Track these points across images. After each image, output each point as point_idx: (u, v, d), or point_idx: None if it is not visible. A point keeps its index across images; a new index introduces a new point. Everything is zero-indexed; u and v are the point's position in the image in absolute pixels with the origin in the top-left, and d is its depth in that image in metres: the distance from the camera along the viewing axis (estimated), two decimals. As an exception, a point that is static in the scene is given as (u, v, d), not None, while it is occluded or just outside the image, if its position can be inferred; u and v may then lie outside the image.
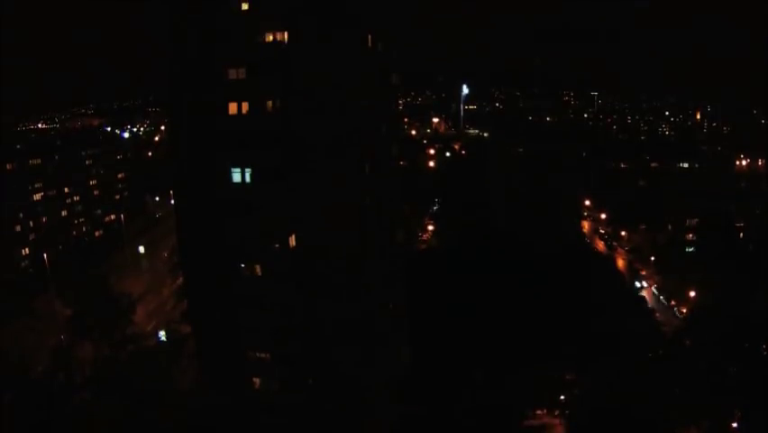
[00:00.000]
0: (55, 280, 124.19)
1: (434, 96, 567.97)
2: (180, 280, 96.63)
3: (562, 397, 77.80)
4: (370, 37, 57.11)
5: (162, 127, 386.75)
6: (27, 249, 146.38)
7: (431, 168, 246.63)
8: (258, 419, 60.58)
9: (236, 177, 55.51)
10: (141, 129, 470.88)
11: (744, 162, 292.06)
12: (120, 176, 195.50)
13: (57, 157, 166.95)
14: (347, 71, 53.40)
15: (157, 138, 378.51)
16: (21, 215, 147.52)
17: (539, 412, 76.78)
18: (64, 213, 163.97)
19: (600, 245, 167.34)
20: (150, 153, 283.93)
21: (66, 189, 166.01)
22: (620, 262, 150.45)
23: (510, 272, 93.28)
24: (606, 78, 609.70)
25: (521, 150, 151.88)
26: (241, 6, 53.44)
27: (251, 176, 55.38)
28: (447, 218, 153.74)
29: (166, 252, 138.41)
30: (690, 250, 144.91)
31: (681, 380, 73.14)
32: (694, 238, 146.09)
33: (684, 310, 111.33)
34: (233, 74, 54.74)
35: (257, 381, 60.67)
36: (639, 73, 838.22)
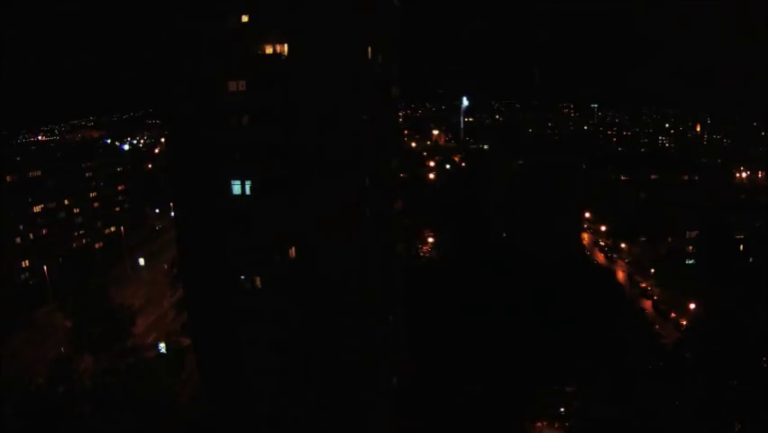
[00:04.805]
0: (55, 293, 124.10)
1: (434, 109, 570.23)
2: (180, 292, 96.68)
3: (561, 409, 77.60)
4: (369, 49, 57.31)
5: (162, 139, 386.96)
6: (27, 261, 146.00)
7: (431, 180, 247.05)
8: (258, 431, 60.54)
9: (236, 189, 55.70)
10: (141, 141, 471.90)
11: (744, 174, 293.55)
12: (120, 188, 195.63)
13: (57, 169, 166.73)
14: (347, 83, 53.59)
15: (157, 150, 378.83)
16: (21, 227, 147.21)
17: (539, 424, 76.54)
18: (64, 225, 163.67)
19: (600, 257, 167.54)
20: (150, 165, 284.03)
21: (66, 201, 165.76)
22: (620, 274, 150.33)
23: (510, 285, 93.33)
24: (606, 90, 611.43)
25: (521, 162, 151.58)
26: (241, 19, 53.80)
27: (251, 188, 55.56)
28: (447, 230, 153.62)
29: (166, 264, 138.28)
30: (690, 262, 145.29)
31: (681, 392, 72.97)
32: (694, 250, 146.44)
33: (684, 322, 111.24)
34: (232, 86, 55.11)
35: (257, 393, 60.55)
36: (639, 85, 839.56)
